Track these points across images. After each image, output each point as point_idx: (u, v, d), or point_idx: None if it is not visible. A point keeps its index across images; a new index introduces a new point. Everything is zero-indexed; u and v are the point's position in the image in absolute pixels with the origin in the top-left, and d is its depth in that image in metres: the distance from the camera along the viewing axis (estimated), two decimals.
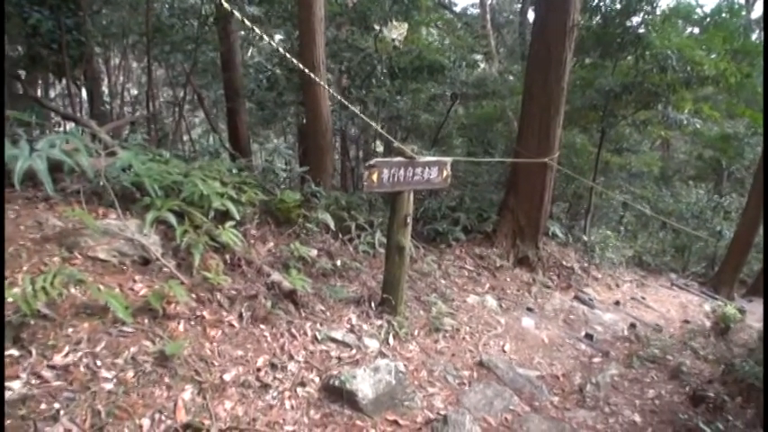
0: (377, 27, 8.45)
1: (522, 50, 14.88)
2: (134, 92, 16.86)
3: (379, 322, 4.57)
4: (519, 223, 7.94)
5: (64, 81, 9.98)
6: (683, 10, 12.15)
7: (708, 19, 12.94)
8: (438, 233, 7.63)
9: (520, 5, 19.50)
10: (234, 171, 5.92)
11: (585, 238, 10.18)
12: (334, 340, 4.06)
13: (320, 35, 5.95)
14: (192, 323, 3.78)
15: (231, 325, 3.89)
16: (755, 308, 10.88)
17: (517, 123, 8.45)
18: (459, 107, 13.13)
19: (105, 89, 13.94)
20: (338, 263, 5.31)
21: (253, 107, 10.86)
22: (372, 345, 4.21)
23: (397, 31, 9.57)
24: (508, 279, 7.43)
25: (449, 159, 4.52)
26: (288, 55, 3.49)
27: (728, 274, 12.03)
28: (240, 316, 3.99)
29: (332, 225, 5.93)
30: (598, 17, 9.39)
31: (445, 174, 4.52)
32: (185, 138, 14.04)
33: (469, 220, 7.98)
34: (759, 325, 8.36)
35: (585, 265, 9.33)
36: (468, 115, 12.39)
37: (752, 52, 10.50)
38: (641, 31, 8.95)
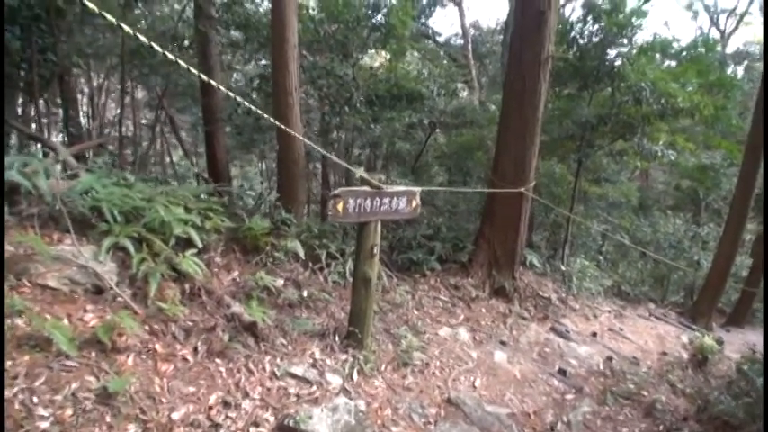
0: (355, 55, 8.44)
1: (504, 80, 15.06)
2: (116, 113, 16.72)
3: (343, 356, 4.40)
4: (495, 253, 7.85)
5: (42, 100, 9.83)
6: (659, 44, 12.39)
7: (684, 53, 13.23)
8: (413, 262, 7.51)
9: (501, 37, 19.85)
10: (203, 196, 5.78)
11: (564, 267, 10.11)
12: (293, 376, 3.89)
13: (293, 61, 5.89)
14: (143, 357, 3.60)
15: (185, 359, 3.71)
16: (734, 338, 10.88)
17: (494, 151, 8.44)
18: (439, 136, 13.18)
19: (86, 109, 13.78)
20: (305, 293, 5.15)
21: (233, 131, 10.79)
22: (335, 381, 4.03)
23: (376, 60, 9.61)
24: (483, 310, 7.30)
25: (418, 189, 4.43)
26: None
27: (706, 305, 12.05)
28: (195, 349, 3.81)
29: (302, 254, 5.79)
30: (575, 49, 9.52)
31: (414, 204, 4.42)
32: (167, 160, 13.90)
33: (445, 250, 7.88)
34: (737, 356, 8.34)
35: (563, 295, 9.24)
36: (449, 143, 12.42)
37: (726, 85, 10.70)
38: (617, 63, 9.09)
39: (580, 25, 9.45)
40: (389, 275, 6.88)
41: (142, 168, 8.07)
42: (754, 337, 11.59)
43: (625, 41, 9.26)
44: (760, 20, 23.73)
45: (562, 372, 5.57)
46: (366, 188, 4.10)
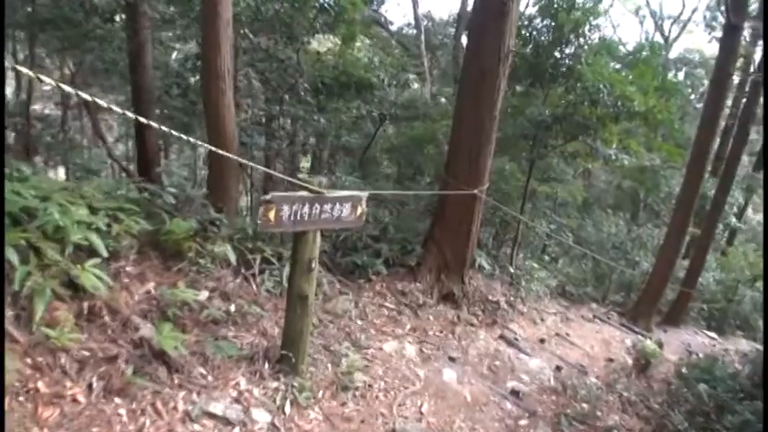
0: (301, 38, 7.74)
1: (455, 74, 14.69)
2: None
3: (274, 385, 3.81)
4: (444, 257, 7.42)
5: None
6: (607, 46, 12.34)
7: (630, 56, 13.27)
8: (357, 266, 6.96)
9: (454, 30, 19.51)
10: (120, 192, 5.01)
11: (512, 269, 9.86)
12: (212, 416, 3.26)
13: (226, 40, 5.16)
14: (21, 399, 2.89)
15: (75, 400, 3.02)
16: (671, 338, 11.08)
17: (447, 148, 7.98)
18: (389, 128, 12.66)
19: None
20: (232, 307, 4.50)
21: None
22: (262, 418, 3.44)
23: (324, 45, 8.95)
24: (431, 318, 6.86)
25: (364, 194, 3.86)
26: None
27: (647, 306, 12.25)
28: (89, 387, 3.12)
29: (233, 259, 5.11)
30: (530, 45, 9.20)
31: (360, 211, 3.86)
32: (100, 146, 12.69)
33: (392, 252, 7.37)
34: (674, 357, 8.46)
35: (512, 298, 8.98)
36: (399, 135, 11.92)
37: (670, 90, 10.72)
38: (571, 63, 8.82)
39: (537, 20, 9.14)
40: (331, 281, 6.31)
41: (52, 158, 7.10)
42: (688, 336, 11.95)
43: (581, 41, 8.99)
44: (701, 28, 24.55)
45: (515, 393, 5.19)
46: (304, 193, 3.51)
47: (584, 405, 5.37)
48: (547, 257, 13.78)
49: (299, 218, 3.49)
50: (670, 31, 27.17)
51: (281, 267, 5.57)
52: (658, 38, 26.60)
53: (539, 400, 5.36)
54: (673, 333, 12.06)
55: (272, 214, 3.35)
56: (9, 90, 15.48)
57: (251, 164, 3.33)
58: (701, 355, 8.27)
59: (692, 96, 23.73)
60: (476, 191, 6.65)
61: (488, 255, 9.86)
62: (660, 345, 8.31)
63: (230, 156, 3.98)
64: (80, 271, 3.62)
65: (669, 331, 12.14)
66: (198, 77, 8.56)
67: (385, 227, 8.01)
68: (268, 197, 3.33)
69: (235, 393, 3.56)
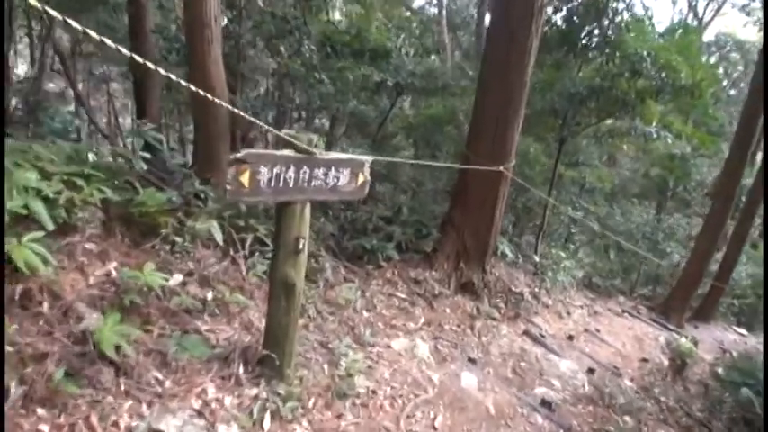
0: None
1: (478, 51, 13.75)
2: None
3: (252, 392, 3.07)
4: (464, 242, 6.62)
5: None
6: (639, 24, 11.30)
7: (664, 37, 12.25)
8: (366, 250, 6.18)
9: (476, 10, 18.52)
10: (89, 158, 4.29)
11: (536, 258, 9.06)
12: None
13: None
14: None
15: None
16: (702, 334, 10.22)
17: (469, 124, 7.15)
18: (406, 103, 11.81)
19: None
20: (209, 295, 3.75)
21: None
22: None
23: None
24: (448, 310, 6.09)
25: (367, 159, 3.07)
26: None
27: (679, 302, 11.44)
28: (5, 394, 2.41)
29: (219, 238, 4.38)
30: (563, 12, 8.29)
31: (361, 179, 3.07)
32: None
33: (406, 236, 6.59)
34: (709, 356, 7.77)
35: (536, 289, 8.20)
36: (417, 114, 11.09)
37: (706, 73, 9.71)
38: (610, 30, 7.89)
39: None
40: (336, 267, 5.55)
41: (22, 121, 6.41)
42: (719, 332, 11.26)
43: (619, 6, 8.03)
44: (735, 11, 23.11)
45: (546, 404, 4.39)
46: (289, 152, 2.73)
47: (627, 418, 4.57)
48: (572, 246, 12.97)
49: (281, 184, 2.72)
50: (704, 13, 25.65)
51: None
52: (691, 20, 25.17)
53: (573, 411, 4.56)
54: (704, 329, 11.30)
55: (245, 178, 2.59)
56: (23, 68, 15.07)
57: (236, 111, 2.54)
58: (734, 354, 7.54)
59: (725, 82, 22.43)
60: (501, 168, 5.81)
61: (510, 242, 9.08)
62: (695, 343, 7.57)
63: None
64: (14, 246, 2.91)
65: (699, 327, 11.43)
66: None
67: (399, 208, 7.22)
68: (240, 154, 2.57)
69: (198, 404, 2.82)
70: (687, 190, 16.56)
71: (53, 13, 1.77)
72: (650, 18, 12.76)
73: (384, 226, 6.68)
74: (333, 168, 2.90)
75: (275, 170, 2.68)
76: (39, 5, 1.75)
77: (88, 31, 1.86)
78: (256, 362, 3.23)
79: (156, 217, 4.05)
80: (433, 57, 9.46)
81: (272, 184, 2.70)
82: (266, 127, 2.64)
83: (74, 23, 1.81)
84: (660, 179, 16.61)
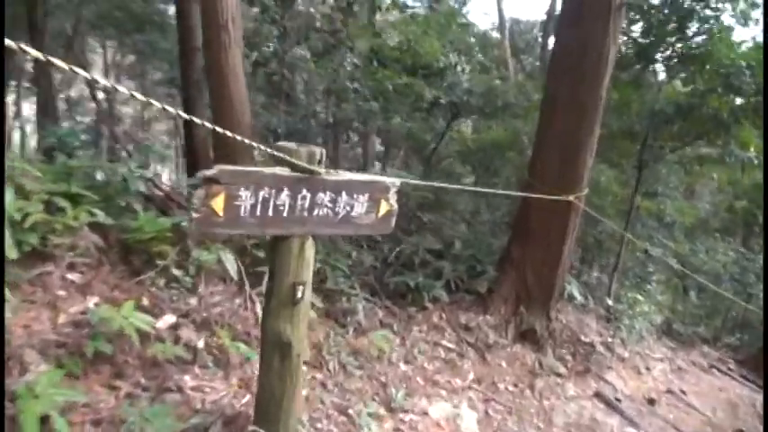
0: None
1: (542, 75, 12.88)
2: None
3: None
4: (525, 283, 5.69)
5: None
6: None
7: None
8: (410, 289, 5.37)
9: (541, 34, 17.70)
10: (97, 176, 3.78)
11: (610, 301, 7.94)
12: None
13: None
14: None
15: None
16: None
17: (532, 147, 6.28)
18: (467, 127, 11.05)
19: None
20: (201, 343, 3.06)
21: None
22: None
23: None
24: (503, 363, 5.16)
25: (393, 181, 2.31)
26: None
27: None
28: None
29: (232, 271, 3.73)
30: (639, 22, 7.33)
31: (384, 208, 2.30)
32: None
33: (457, 273, 5.73)
34: None
35: (609, 339, 7.10)
36: (476, 139, 10.31)
37: None
38: (699, 40, 6.85)
39: None
40: (372, 308, 4.78)
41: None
42: None
43: (709, 12, 6.96)
44: None
45: None
46: (281, 170, 2.02)
47: None
48: (649, 287, 11.63)
49: (271, 212, 2.01)
50: None
51: None
52: None
53: None
54: None
55: (218, 203, 1.90)
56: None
57: (227, 133, 1.87)
58: None
59: None
60: (571, 197, 4.88)
61: (578, 281, 8.03)
62: None
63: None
64: None
65: None
66: None
67: (451, 241, 6.38)
68: (210, 172, 1.88)
69: None
70: None
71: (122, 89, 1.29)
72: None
73: (432, 260, 5.85)
74: (344, 193, 2.16)
75: (261, 194, 1.97)
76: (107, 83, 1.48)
77: (135, 94, 1.40)
78: None
79: (153, 245, 3.45)
80: (493, 74, 8.67)
81: (258, 213, 1.99)
82: (247, 142, 1.94)
83: (121, 89, 1.51)
84: (746, 213, 14.95)
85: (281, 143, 2.06)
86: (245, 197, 1.95)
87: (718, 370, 9.08)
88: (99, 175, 3.79)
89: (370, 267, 5.54)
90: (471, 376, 4.64)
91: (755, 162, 6.98)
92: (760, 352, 10.16)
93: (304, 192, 2.06)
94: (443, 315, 5.33)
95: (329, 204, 2.14)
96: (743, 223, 16.13)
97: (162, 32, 9.50)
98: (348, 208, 2.20)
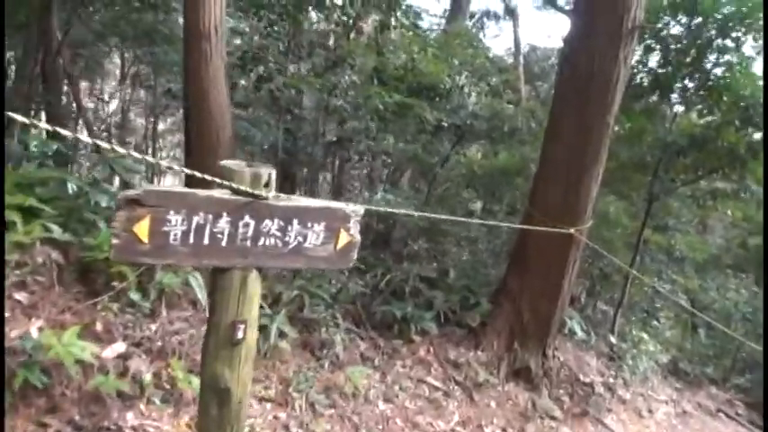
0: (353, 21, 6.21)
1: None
2: None
3: None
4: (521, 317, 5.37)
5: None
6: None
7: None
8: (397, 319, 5.06)
9: (557, 61, 17.54)
10: (70, 188, 3.56)
11: (613, 339, 7.58)
12: None
13: None
14: None
15: None
16: None
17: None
18: (477, 152, 10.80)
19: None
20: (148, 377, 2.78)
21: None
22: None
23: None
24: (493, 404, 4.82)
25: (355, 208, 2.03)
26: None
27: None
28: None
29: (200, 296, 3.47)
30: (656, 51, 7.09)
31: (344, 240, 2.02)
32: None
33: (449, 304, 5.42)
34: None
35: (611, 379, 6.74)
36: (482, 164, 10.06)
37: None
38: (717, 71, 6.59)
39: (666, 18, 6.99)
40: (353, 339, 4.48)
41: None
42: None
43: (729, 43, 6.70)
44: None
45: None
46: (220, 193, 1.77)
47: None
48: (656, 323, 11.22)
49: (206, 241, 1.75)
50: None
51: (273, 314, 3.83)
52: None
53: None
54: None
55: (141, 228, 1.64)
56: (115, 103, 15.74)
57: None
58: None
59: None
60: (572, 230, 4.59)
61: (581, 315, 7.67)
62: None
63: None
64: None
65: None
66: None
67: (446, 269, 6.08)
68: (133, 192, 1.63)
69: None
70: None
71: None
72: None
73: (425, 289, 5.54)
74: (295, 221, 1.89)
75: (196, 219, 1.71)
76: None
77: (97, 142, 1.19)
78: None
79: (114, 265, 3.20)
80: (504, 99, 8.45)
81: (192, 241, 1.73)
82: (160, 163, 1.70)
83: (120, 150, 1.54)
84: (760, 250, 14.50)
85: (229, 161, 1.81)
86: (176, 222, 1.69)
87: (726, 415, 8.67)
88: (71, 187, 3.57)
89: (358, 294, 5.25)
90: (456, 418, 4.31)
91: None
92: None
93: (247, 218, 1.80)
94: (431, 349, 5.01)
95: (277, 233, 1.88)
96: (756, 261, 15.67)
97: (171, 44, 9.43)
98: (300, 238, 1.93)
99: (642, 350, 7.82)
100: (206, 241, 1.76)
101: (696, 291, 12.13)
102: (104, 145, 1.51)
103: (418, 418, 4.06)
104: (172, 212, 1.68)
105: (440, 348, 5.04)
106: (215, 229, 1.76)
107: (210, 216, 1.74)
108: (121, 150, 1.58)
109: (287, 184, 7.80)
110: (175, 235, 1.71)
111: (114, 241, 1.64)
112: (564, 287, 5.40)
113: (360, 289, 5.25)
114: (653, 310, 11.52)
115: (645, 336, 8.35)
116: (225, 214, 1.76)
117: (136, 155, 1.59)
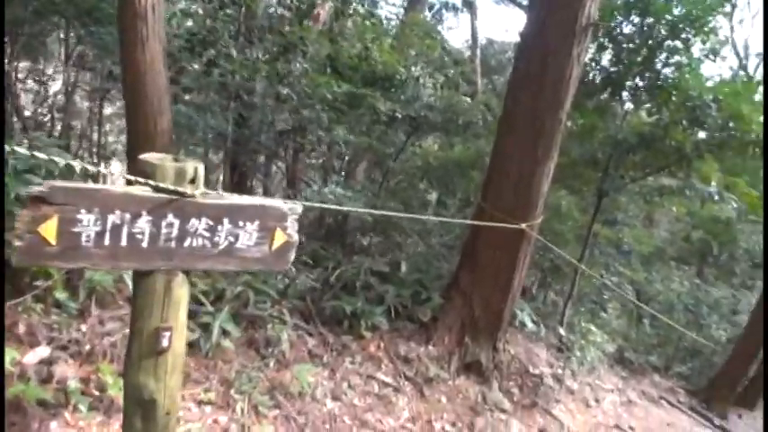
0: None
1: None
2: None
3: None
4: (472, 311, 5.36)
5: None
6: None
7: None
8: (347, 315, 4.96)
9: (513, 54, 17.68)
10: None
11: (562, 331, 7.71)
12: None
13: None
14: None
15: None
16: (748, 429, 9.08)
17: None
18: (434, 144, 10.80)
19: None
20: (73, 383, 2.60)
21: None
22: None
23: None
24: (443, 399, 4.80)
25: (292, 206, 1.91)
26: None
27: (726, 389, 9.88)
28: None
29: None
30: (608, 49, 7.19)
31: (280, 240, 1.91)
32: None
33: (400, 299, 5.36)
34: None
35: (559, 370, 6.86)
36: (438, 156, 10.03)
37: None
38: (667, 70, 6.74)
39: (619, 18, 7.09)
40: (300, 336, 4.36)
41: None
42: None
43: (679, 44, 6.85)
44: None
45: None
46: (139, 190, 1.61)
47: None
48: (604, 315, 11.55)
49: (124, 242, 1.60)
50: (755, 71, 24.04)
51: (215, 312, 3.67)
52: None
53: None
54: (748, 418, 9.77)
55: (48, 229, 1.48)
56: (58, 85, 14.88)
57: None
58: None
59: None
60: (523, 225, 4.59)
61: (532, 306, 7.79)
62: None
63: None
64: None
65: (744, 416, 9.86)
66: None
67: (397, 263, 6.01)
68: (38, 190, 1.46)
69: None
70: (734, 258, 15.01)
71: None
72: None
73: (376, 284, 5.46)
74: (226, 220, 1.76)
75: (111, 219, 1.56)
76: None
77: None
78: None
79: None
80: (461, 91, 8.40)
81: (107, 242, 1.58)
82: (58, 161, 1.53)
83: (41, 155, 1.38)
84: (703, 244, 15.15)
85: (144, 155, 1.66)
86: (88, 222, 1.54)
87: (668, 402, 8.98)
88: None
89: (308, 289, 5.12)
90: (406, 414, 4.27)
91: (717, 198, 6.87)
92: (711, 384, 10.15)
93: (170, 218, 1.66)
94: (382, 345, 4.94)
95: (205, 233, 1.74)
96: (698, 254, 16.36)
97: (115, 24, 8.94)
98: (231, 238, 1.80)
99: (590, 341, 7.97)
100: (124, 243, 1.61)
101: (642, 282, 12.54)
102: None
103: (367, 415, 3.99)
104: (83, 211, 1.52)
105: (390, 344, 4.99)
106: (134, 230, 1.61)
107: (128, 215, 1.59)
108: (23, 151, 1.41)
109: (236, 174, 7.56)
110: (88, 236, 1.55)
111: (17, 243, 1.48)
112: (515, 282, 5.43)
113: (310, 283, 5.12)
114: (601, 301, 11.86)
115: (593, 327, 8.55)
116: (145, 213, 1.61)
117: (42, 156, 1.42)
